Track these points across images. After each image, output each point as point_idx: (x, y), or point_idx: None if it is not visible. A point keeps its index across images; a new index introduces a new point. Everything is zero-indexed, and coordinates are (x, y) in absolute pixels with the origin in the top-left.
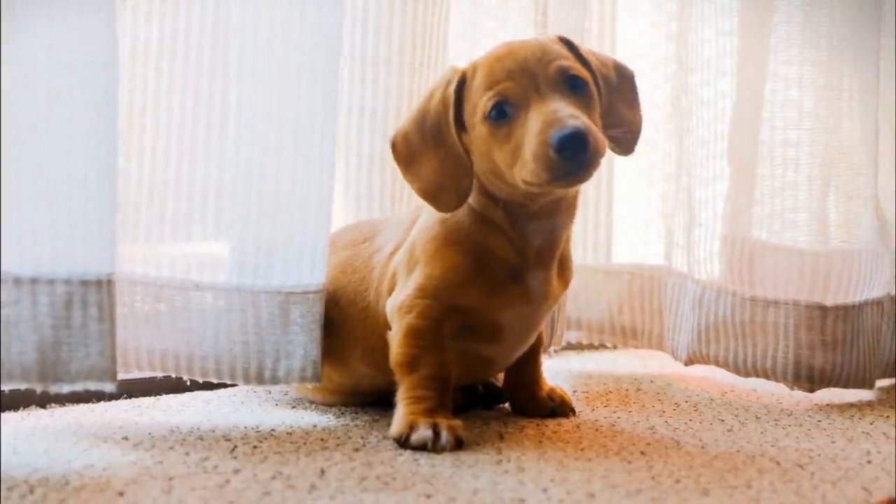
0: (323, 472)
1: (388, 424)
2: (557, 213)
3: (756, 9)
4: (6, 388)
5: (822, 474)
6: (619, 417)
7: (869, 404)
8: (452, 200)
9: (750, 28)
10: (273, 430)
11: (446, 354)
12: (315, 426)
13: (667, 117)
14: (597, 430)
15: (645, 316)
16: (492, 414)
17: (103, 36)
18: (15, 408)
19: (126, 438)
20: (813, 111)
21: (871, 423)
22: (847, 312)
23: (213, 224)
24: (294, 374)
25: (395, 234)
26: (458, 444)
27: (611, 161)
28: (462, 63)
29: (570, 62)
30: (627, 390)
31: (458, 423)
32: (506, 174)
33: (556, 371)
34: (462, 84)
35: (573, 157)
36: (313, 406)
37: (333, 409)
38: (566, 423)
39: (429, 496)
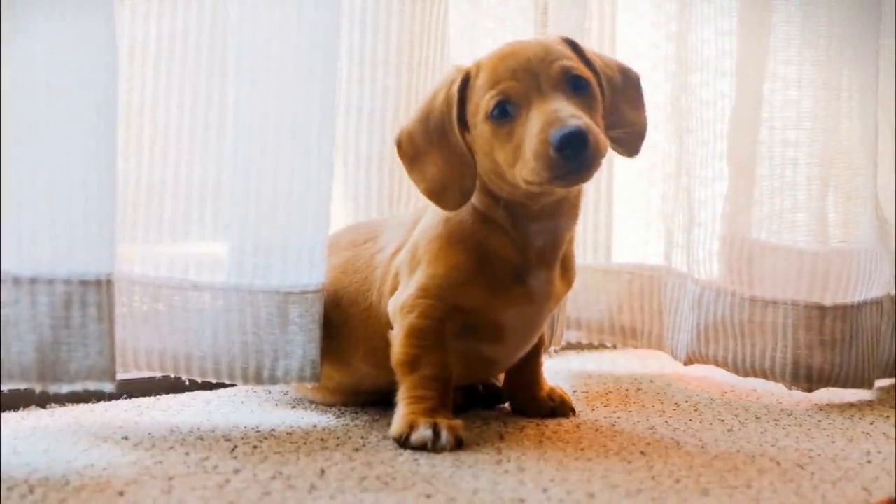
0: (323, 472)
1: (388, 424)
2: (560, 214)
3: (755, 9)
4: (6, 388)
5: (822, 474)
6: (619, 417)
7: (869, 404)
8: (456, 198)
9: (749, 28)
10: (273, 430)
11: (448, 354)
12: (315, 426)
13: (667, 117)
14: (597, 430)
15: (645, 316)
16: (492, 414)
17: (102, 36)
18: (15, 408)
19: (126, 438)
20: (812, 111)
21: (871, 423)
22: (846, 312)
23: (211, 224)
24: (293, 374)
25: (397, 234)
26: (458, 444)
27: (611, 161)
28: (465, 62)
29: (572, 62)
30: (627, 390)
31: (458, 423)
32: (507, 173)
33: (556, 371)
34: (466, 83)
35: (573, 157)
36: (313, 406)
37: (333, 409)
38: (566, 423)
39: (429, 496)
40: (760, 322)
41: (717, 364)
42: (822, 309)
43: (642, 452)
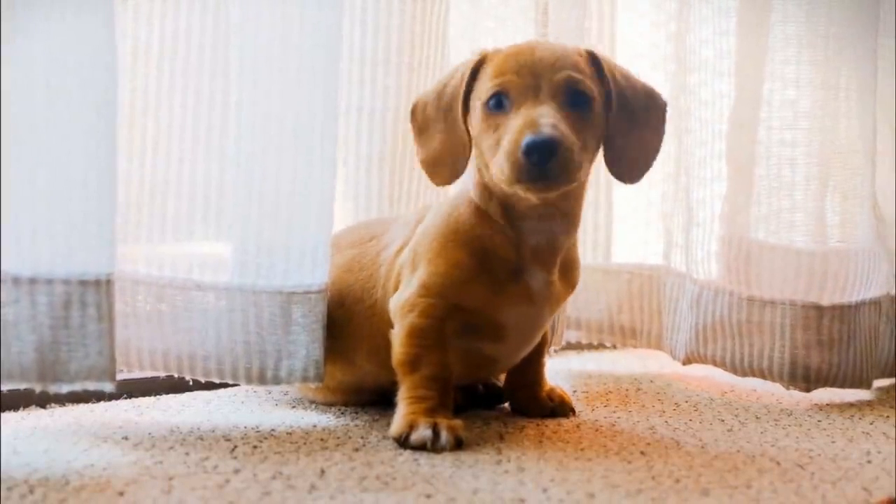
0: (323, 472)
1: (388, 424)
2: (552, 219)
3: (754, 9)
4: (5, 388)
5: (822, 474)
6: (619, 417)
7: (869, 404)
8: (445, 175)
9: (748, 28)
10: (273, 430)
11: (448, 354)
12: (315, 426)
13: (667, 117)
14: (597, 430)
15: (644, 315)
16: (492, 414)
17: (102, 36)
18: (15, 408)
19: (126, 438)
20: (810, 111)
21: (871, 423)
22: (843, 312)
23: (214, 224)
24: (296, 375)
25: (401, 232)
26: (458, 444)
27: None
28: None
29: (580, 77)
30: (627, 390)
31: (458, 422)
32: (488, 165)
33: (556, 371)
34: (480, 66)
35: (539, 164)
36: (313, 406)
37: (333, 409)
38: (566, 423)
39: (429, 496)
40: (758, 322)
41: (715, 364)
42: (819, 309)
43: (642, 452)
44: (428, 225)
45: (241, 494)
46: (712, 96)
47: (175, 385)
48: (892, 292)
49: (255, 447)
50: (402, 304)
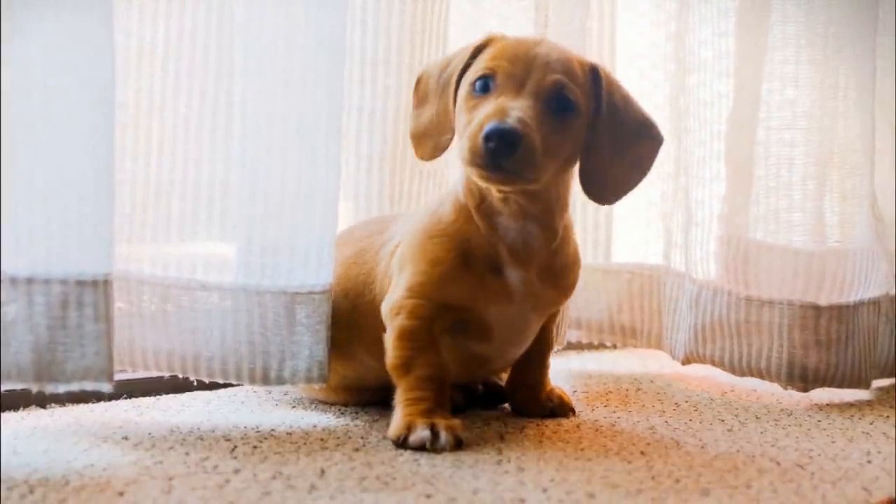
0: (323, 472)
1: (388, 425)
2: (524, 219)
3: (753, 9)
4: (2, 388)
5: (822, 474)
6: (619, 417)
7: (869, 404)
8: (428, 149)
9: (747, 29)
10: (273, 430)
11: (441, 354)
12: (315, 426)
13: (666, 117)
14: (597, 430)
15: (644, 315)
16: (492, 414)
17: (100, 35)
18: (15, 408)
19: (126, 438)
20: (809, 111)
21: (871, 423)
22: (841, 312)
23: (218, 224)
24: (300, 375)
25: (401, 229)
26: (458, 444)
27: None
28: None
29: (571, 84)
30: (627, 390)
31: (456, 422)
32: (458, 142)
33: (556, 371)
34: (484, 48)
35: (497, 153)
36: (313, 406)
37: (333, 409)
38: (566, 423)
39: (429, 496)
40: (756, 322)
41: (713, 364)
42: (817, 309)
43: (642, 452)
44: (414, 223)
45: (241, 494)
46: (712, 96)
47: (175, 385)
48: (892, 292)
49: (255, 447)
50: (391, 307)
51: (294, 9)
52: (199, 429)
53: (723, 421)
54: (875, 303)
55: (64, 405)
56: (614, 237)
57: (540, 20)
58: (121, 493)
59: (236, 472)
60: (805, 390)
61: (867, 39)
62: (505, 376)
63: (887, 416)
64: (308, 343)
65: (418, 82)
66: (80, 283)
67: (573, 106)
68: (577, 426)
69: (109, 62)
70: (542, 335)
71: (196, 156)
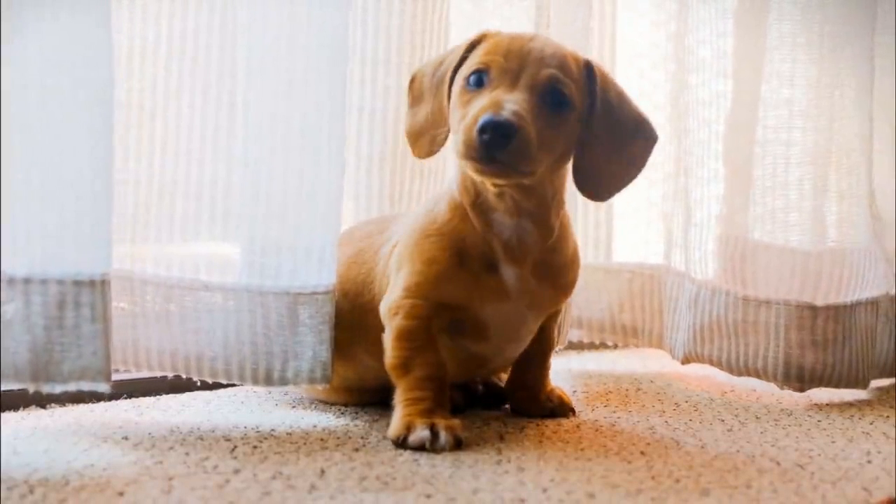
0: (323, 472)
1: (388, 424)
2: (518, 216)
3: (752, 10)
4: (1, 388)
5: (822, 474)
6: (619, 417)
7: (869, 404)
8: (424, 148)
9: (746, 28)
10: (273, 430)
11: (440, 354)
12: (315, 426)
13: (666, 117)
14: (597, 430)
15: (645, 315)
16: (492, 414)
17: (97, 36)
18: (15, 408)
19: (126, 438)
20: (807, 110)
21: (871, 423)
22: (838, 312)
23: (221, 224)
24: (302, 376)
25: (401, 229)
26: (457, 444)
27: None
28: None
29: (566, 79)
30: (627, 390)
31: (456, 422)
32: (453, 137)
33: (556, 371)
34: (478, 44)
35: (490, 145)
36: (313, 406)
37: (333, 409)
38: (566, 423)
39: (429, 496)
40: (754, 322)
41: (711, 363)
42: (813, 309)
43: (642, 452)
44: (411, 223)
45: (241, 494)
46: (711, 96)
47: (175, 385)
48: (892, 292)
49: (255, 447)
50: (388, 307)
51: (297, 9)
52: (199, 429)
53: (723, 421)
54: (873, 303)
55: (64, 405)
56: (615, 236)
57: (542, 21)
58: (121, 493)
59: (236, 472)
60: (801, 390)
61: (865, 39)
62: (505, 376)
63: (887, 416)
64: (311, 343)
65: (413, 81)
66: (78, 284)
67: (567, 101)
68: (577, 426)
69: (107, 62)
70: (544, 335)
71: (199, 156)
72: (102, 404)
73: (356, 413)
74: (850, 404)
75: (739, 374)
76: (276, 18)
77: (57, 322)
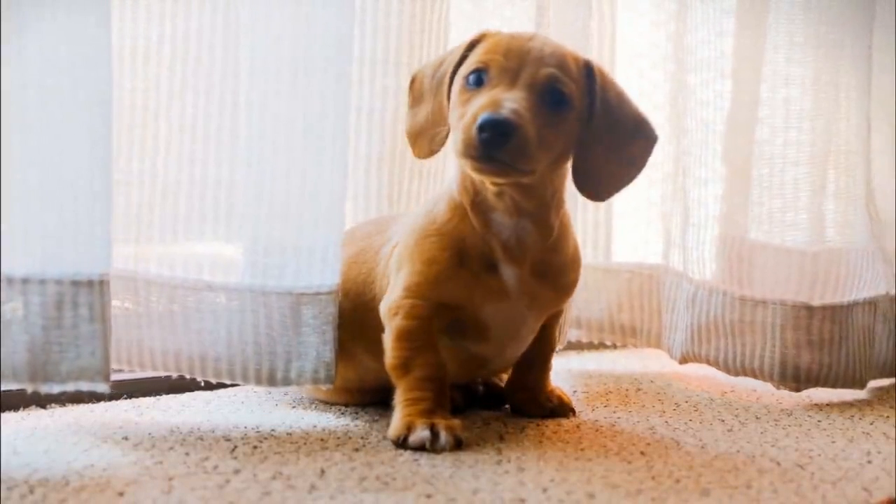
0: (323, 472)
1: (388, 425)
2: (518, 216)
3: (752, 9)
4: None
5: (822, 474)
6: (619, 417)
7: (869, 404)
8: (425, 148)
9: (746, 29)
10: (273, 430)
11: (440, 354)
12: (315, 426)
13: (666, 117)
14: (597, 430)
15: (644, 315)
16: (492, 414)
17: (96, 36)
18: (15, 408)
19: (126, 438)
20: (805, 111)
21: (871, 423)
22: (835, 312)
23: (225, 224)
24: (306, 376)
25: (402, 229)
26: (458, 444)
27: None
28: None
29: (565, 78)
30: (627, 390)
31: (456, 422)
32: (452, 136)
33: (556, 371)
34: (477, 43)
35: (489, 143)
36: (313, 406)
37: (333, 409)
38: (566, 423)
39: (429, 496)
40: (750, 321)
41: (709, 363)
42: (809, 309)
43: (642, 452)
44: (411, 223)
45: (241, 494)
46: (710, 96)
47: (175, 385)
48: (892, 292)
49: (255, 447)
50: (388, 308)
51: (300, 8)
52: (199, 429)
53: (723, 421)
54: (871, 303)
55: (64, 405)
56: (614, 237)
57: (543, 21)
58: (121, 493)
59: (236, 472)
60: (797, 390)
61: (863, 38)
62: (505, 377)
63: (887, 416)
64: (315, 344)
65: (413, 81)
66: (76, 284)
67: (567, 100)
68: (577, 426)
69: (106, 62)
70: (545, 336)
71: (202, 156)
72: (102, 404)
73: (356, 413)
74: (851, 404)
75: (736, 374)
76: (278, 18)
77: (55, 322)
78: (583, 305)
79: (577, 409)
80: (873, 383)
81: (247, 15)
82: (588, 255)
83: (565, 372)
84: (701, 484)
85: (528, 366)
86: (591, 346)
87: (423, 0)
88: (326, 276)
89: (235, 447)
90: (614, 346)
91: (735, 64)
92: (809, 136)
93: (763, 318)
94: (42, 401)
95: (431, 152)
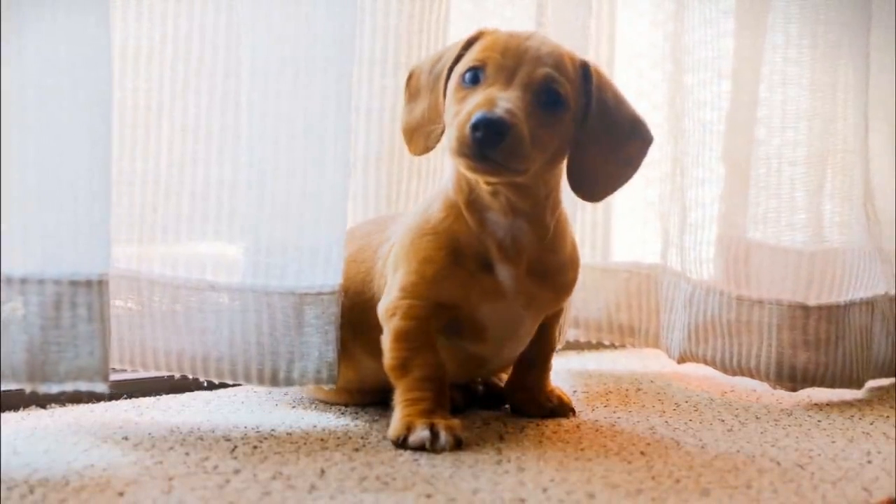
0: (323, 472)
1: (388, 425)
2: (513, 216)
3: (750, 10)
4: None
5: (822, 474)
6: (619, 417)
7: (869, 404)
8: (420, 145)
9: (745, 29)
10: (273, 430)
11: (438, 354)
12: (315, 426)
13: (664, 117)
14: (597, 430)
15: (642, 314)
16: (492, 414)
17: (96, 36)
18: (15, 408)
19: (126, 438)
20: (803, 111)
21: (871, 423)
22: (831, 312)
23: (227, 224)
24: (308, 376)
25: (400, 228)
26: (457, 444)
27: None
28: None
29: (561, 78)
30: (627, 390)
31: (456, 422)
32: (446, 133)
33: (556, 371)
34: (475, 41)
35: (483, 142)
36: (313, 406)
37: (333, 409)
38: (566, 423)
39: (429, 496)
40: (747, 321)
41: (706, 363)
42: (806, 309)
43: (642, 452)
44: (406, 223)
45: (241, 494)
46: (709, 96)
47: (175, 385)
48: (891, 292)
49: (255, 447)
50: (386, 309)
51: (301, 8)
52: (199, 429)
53: (723, 421)
54: (868, 303)
55: (64, 405)
56: (613, 236)
57: (543, 21)
58: (121, 493)
59: (236, 472)
60: (794, 390)
61: (861, 38)
62: (505, 376)
63: (887, 416)
64: (317, 344)
65: (410, 77)
66: (74, 284)
67: (562, 100)
68: (577, 426)
69: (106, 62)
70: (545, 336)
71: (205, 156)
72: (102, 404)
73: (356, 413)
74: (850, 404)
75: (733, 373)
76: (280, 18)
77: (54, 322)
78: (581, 305)
79: (577, 409)
80: (872, 383)
81: (248, 15)
82: (586, 254)
83: (565, 372)
84: (701, 484)
85: (528, 366)
86: (590, 346)
87: (422, 0)
88: (329, 275)
89: (235, 447)
90: (613, 346)
91: (734, 64)
92: (807, 136)
93: (760, 317)
94: (42, 401)
95: (427, 149)
